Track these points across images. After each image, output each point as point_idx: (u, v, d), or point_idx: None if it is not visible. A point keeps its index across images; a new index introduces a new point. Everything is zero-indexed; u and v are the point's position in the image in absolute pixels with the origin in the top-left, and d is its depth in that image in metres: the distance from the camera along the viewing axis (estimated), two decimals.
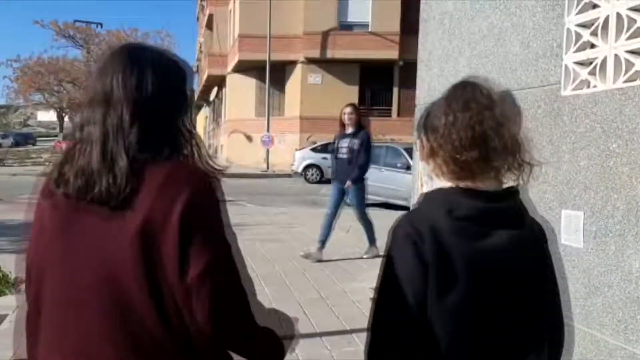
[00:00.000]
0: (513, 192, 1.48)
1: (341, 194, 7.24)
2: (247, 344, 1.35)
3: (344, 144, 7.23)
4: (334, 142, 7.50)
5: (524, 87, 4.45)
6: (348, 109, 7.29)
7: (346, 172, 7.10)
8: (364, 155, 7.20)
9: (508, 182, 1.46)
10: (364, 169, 7.26)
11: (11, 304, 5.05)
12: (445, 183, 1.45)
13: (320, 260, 6.92)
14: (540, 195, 4.24)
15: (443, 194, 1.44)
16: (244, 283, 1.30)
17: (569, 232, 3.92)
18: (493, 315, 1.37)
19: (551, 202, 4.12)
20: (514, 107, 1.52)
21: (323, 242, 7.14)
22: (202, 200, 1.26)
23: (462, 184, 1.41)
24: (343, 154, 7.19)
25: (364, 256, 7.41)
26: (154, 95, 1.29)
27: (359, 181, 7.21)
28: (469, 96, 1.44)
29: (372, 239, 7.39)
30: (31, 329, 1.46)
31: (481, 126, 1.39)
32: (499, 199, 1.43)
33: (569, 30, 3.95)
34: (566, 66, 3.97)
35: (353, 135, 7.19)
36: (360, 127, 7.27)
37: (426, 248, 1.34)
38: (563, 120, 4.00)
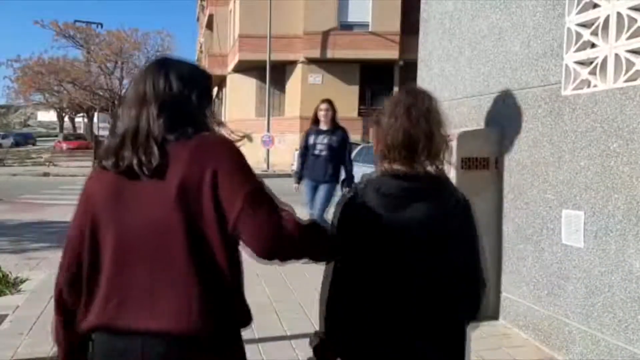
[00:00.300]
0: (431, 175, 1.86)
1: (316, 191, 6.86)
2: (298, 250, 1.65)
3: (321, 140, 6.78)
4: (306, 139, 6.95)
5: (524, 86, 4.45)
6: (324, 105, 6.85)
7: (324, 170, 6.73)
8: (350, 157, 6.98)
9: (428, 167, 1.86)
10: (351, 171, 6.96)
11: (11, 304, 5.05)
12: (382, 165, 1.89)
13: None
14: (541, 195, 4.24)
15: (375, 176, 1.90)
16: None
17: (570, 231, 3.92)
18: (411, 270, 1.81)
19: (551, 202, 4.12)
20: (444, 115, 1.90)
21: None
22: (226, 156, 1.60)
23: (393, 167, 1.85)
24: (321, 151, 6.74)
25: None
26: (176, 93, 1.67)
27: (350, 182, 6.77)
28: (410, 102, 1.85)
29: None
30: (88, 287, 1.67)
31: (415, 130, 1.81)
32: (418, 180, 1.83)
33: (569, 29, 3.95)
34: (567, 66, 3.97)
35: (331, 132, 6.80)
36: (336, 124, 6.89)
37: (360, 216, 1.81)
38: (563, 119, 4.00)
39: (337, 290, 1.89)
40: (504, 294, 4.69)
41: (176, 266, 1.56)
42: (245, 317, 1.70)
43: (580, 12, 3.85)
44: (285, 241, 1.55)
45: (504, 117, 4.69)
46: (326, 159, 6.69)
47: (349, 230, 1.85)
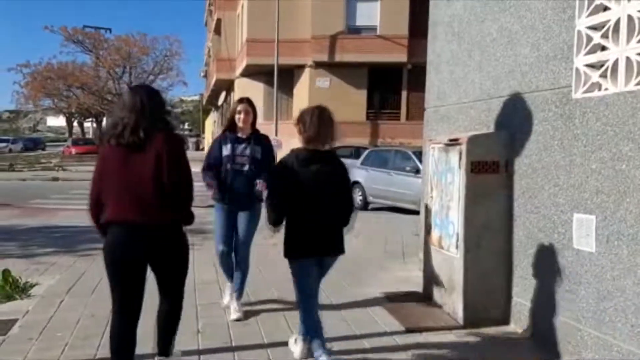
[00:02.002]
0: (327, 150, 3.74)
1: (234, 220, 4.99)
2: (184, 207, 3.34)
3: (242, 151, 4.91)
4: (218, 149, 4.96)
5: (534, 90, 4.43)
6: (243, 106, 4.98)
7: (248, 190, 4.82)
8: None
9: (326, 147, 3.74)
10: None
11: (21, 308, 5.06)
12: (303, 145, 3.71)
13: (239, 320, 4.83)
14: (552, 198, 4.21)
15: (297, 149, 3.71)
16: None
17: (581, 236, 3.88)
18: (316, 196, 3.65)
19: (562, 206, 4.09)
20: (335, 119, 3.81)
21: (240, 291, 5.06)
22: (176, 146, 3.30)
23: (307, 147, 3.69)
24: (242, 164, 4.88)
25: (224, 302, 5.21)
26: (148, 105, 3.31)
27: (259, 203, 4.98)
28: (319, 113, 3.74)
29: (242, 288, 5.10)
30: (101, 202, 3.30)
31: (324, 126, 3.71)
32: (319, 152, 3.69)
33: (579, 32, 3.93)
34: (577, 69, 3.94)
35: (254, 140, 4.95)
36: (256, 130, 5.08)
37: (288, 170, 3.65)
38: (574, 123, 3.97)
39: (279, 209, 3.72)
40: (514, 299, 4.65)
41: (148, 191, 3.21)
42: (188, 219, 3.41)
43: (590, 14, 3.82)
44: (185, 195, 3.33)
45: (514, 120, 4.67)
46: (249, 175, 4.83)
47: (281, 177, 3.74)
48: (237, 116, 4.93)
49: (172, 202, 3.25)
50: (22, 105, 51.49)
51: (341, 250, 3.84)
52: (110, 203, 3.25)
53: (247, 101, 5.05)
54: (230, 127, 5.01)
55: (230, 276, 5.12)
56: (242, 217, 4.94)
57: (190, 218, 3.41)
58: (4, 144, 53.89)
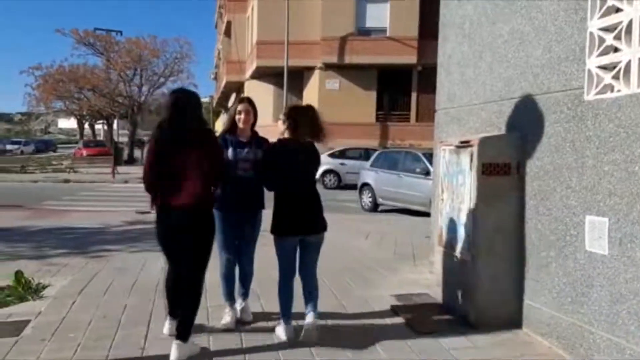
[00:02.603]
0: (308, 141, 4.45)
1: (238, 227, 4.70)
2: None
3: (245, 156, 4.58)
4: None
5: (546, 91, 4.41)
6: (244, 106, 4.70)
7: (253, 197, 4.65)
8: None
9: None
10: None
11: (34, 310, 5.09)
12: (290, 136, 4.41)
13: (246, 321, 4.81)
14: (564, 201, 4.18)
15: (285, 138, 4.44)
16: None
17: (593, 238, 3.86)
18: (293, 170, 4.36)
19: (575, 208, 4.07)
20: (322, 118, 4.56)
21: (246, 292, 4.92)
22: (213, 140, 4.22)
23: (292, 137, 4.41)
24: (245, 170, 4.56)
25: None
26: (190, 106, 4.16)
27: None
28: (307, 111, 4.58)
29: (248, 289, 4.93)
30: (156, 189, 4.09)
31: (313, 122, 4.48)
32: (300, 142, 4.40)
33: (591, 34, 3.90)
34: (589, 70, 3.91)
35: (255, 144, 4.66)
36: (255, 132, 4.78)
37: (275, 150, 4.46)
38: (586, 124, 3.94)
39: (270, 183, 4.46)
40: (526, 302, 4.63)
41: (192, 179, 3.96)
42: (211, 203, 4.18)
43: (602, 16, 3.80)
44: (220, 177, 4.27)
45: (526, 122, 4.65)
46: (252, 181, 4.55)
47: (272, 159, 4.40)
48: (237, 117, 4.65)
49: None
50: (34, 107, 51.74)
51: (323, 227, 4.47)
52: (164, 188, 4.16)
53: (247, 101, 4.78)
54: (230, 128, 4.70)
55: (229, 293, 4.78)
56: (245, 224, 4.71)
57: None
58: (16, 146, 54.39)
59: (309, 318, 4.39)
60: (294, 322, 4.45)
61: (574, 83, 4.08)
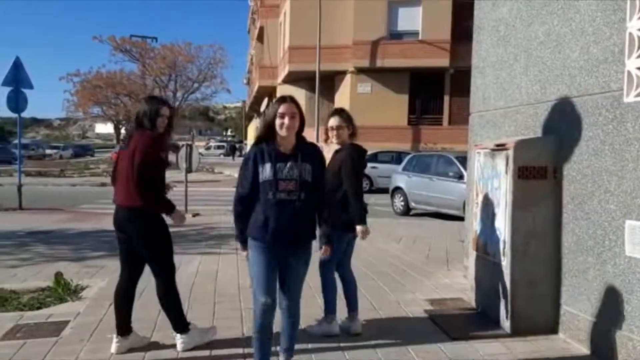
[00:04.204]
0: (351, 143, 4.60)
1: (280, 265, 3.60)
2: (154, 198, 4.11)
3: (287, 173, 3.46)
4: (253, 168, 3.56)
5: (583, 94, 4.33)
6: (287, 106, 3.49)
7: (303, 224, 3.52)
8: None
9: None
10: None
11: (73, 310, 5.20)
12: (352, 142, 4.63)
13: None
14: (602, 205, 4.10)
15: (357, 144, 4.66)
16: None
17: (634, 243, 3.77)
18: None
19: (614, 212, 3.98)
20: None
21: (291, 349, 3.80)
22: (145, 140, 4.04)
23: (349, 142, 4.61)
24: (289, 192, 3.44)
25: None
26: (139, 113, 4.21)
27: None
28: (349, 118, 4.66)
29: (293, 344, 3.81)
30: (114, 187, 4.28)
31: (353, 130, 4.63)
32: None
33: (631, 34, 3.82)
34: (629, 72, 3.83)
35: (302, 156, 3.53)
36: (301, 138, 3.63)
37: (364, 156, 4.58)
38: (626, 127, 3.86)
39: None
40: (563, 307, 4.55)
41: (124, 181, 4.08)
42: (165, 206, 4.16)
43: None
44: (149, 185, 4.05)
45: (562, 125, 4.57)
46: (298, 207, 3.47)
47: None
48: (278, 121, 3.43)
49: None
50: (72, 113, 53.04)
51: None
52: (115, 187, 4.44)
53: (291, 100, 3.54)
54: (267, 136, 3.51)
55: (264, 356, 3.62)
56: (290, 261, 3.57)
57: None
58: (55, 151, 55.61)
59: None
60: None
61: (613, 85, 4.00)
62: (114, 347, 4.18)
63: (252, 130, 56.74)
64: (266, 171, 3.42)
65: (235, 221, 3.61)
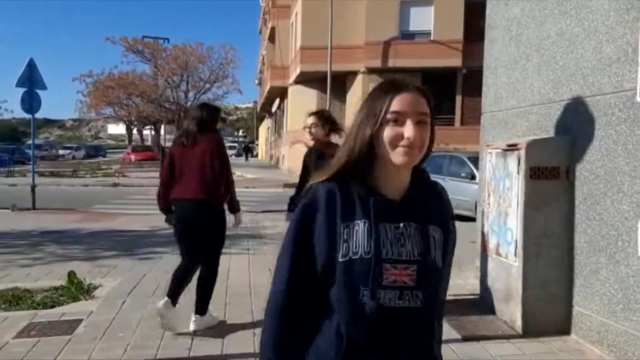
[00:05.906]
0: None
1: None
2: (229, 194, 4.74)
3: (401, 245, 1.54)
4: (325, 239, 1.43)
5: (596, 93, 4.30)
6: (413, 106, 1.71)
7: (419, 345, 1.71)
8: None
9: None
10: None
11: (86, 309, 5.25)
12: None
13: None
14: (615, 205, 4.07)
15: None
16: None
17: None
18: None
19: (627, 213, 3.96)
20: None
21: None
22: (218, 142, 4.73)
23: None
24: (402, 287, 1.47)
25: None
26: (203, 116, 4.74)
27: None
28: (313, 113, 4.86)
29: None
30: (168, 184, 4.69)
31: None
32: None
33: None
34: None
35: (421, 210, 1.75)
36: (420, 173, 1.81)
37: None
38: (639, 127, 3.83)
39: None
40: (575, 308, 4.52)
41: (197, 176, 4.53)
42: (222, 198, 4.68)
43: None
44: (228, 184, 4.66)
45: (575, 125, 4.55)
46: (419, 314, 1.61)
47: None
48: (390, 131, 1.46)
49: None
50: (85, 113, 53.43)
51: None
52: (175, 185, 4.76)
53: (417, 89, 1.60)
54: (358, 165, 1.50)
55: None
56: None
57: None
58: (67, 151, 56.11)
59: None
60: None
61: (626, 85, 3.97)
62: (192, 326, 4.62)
63: (264, 131, 56.79)
64: (356, 240, 1.45)
65: None
